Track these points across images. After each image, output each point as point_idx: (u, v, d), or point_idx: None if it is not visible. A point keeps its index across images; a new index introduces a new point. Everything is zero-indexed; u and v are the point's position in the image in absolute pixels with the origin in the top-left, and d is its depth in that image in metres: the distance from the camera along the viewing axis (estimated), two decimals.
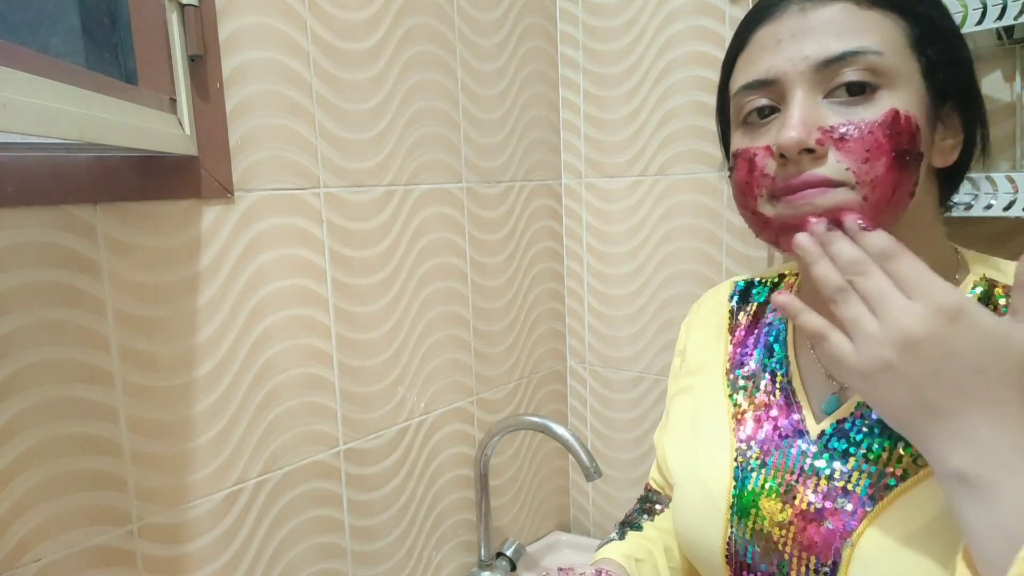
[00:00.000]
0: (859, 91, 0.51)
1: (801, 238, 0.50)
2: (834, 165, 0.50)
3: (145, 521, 0.74)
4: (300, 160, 0.86)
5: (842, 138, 0.50)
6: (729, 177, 0.59)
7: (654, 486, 0.78)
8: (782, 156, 0.52)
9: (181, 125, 0.74)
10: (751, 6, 0.97)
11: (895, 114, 0.50)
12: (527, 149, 1.18)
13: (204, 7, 0.75)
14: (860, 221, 0.48)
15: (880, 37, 0.51)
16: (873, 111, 0.50)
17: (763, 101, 0.55)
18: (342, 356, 0.93)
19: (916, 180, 0.52)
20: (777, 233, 0.55)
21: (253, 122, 0.81)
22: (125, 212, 0.71)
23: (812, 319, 0.49)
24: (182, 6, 0.72)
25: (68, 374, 0.68)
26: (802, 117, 0.51)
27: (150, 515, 0.75)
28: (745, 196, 0.56)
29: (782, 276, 0.71)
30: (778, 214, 0.54)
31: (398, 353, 1.00)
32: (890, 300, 0.44)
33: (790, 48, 0.52)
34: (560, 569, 0.63)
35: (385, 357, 0.98)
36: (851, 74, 0.50)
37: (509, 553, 1.13)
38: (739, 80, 0.56)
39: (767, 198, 0.54)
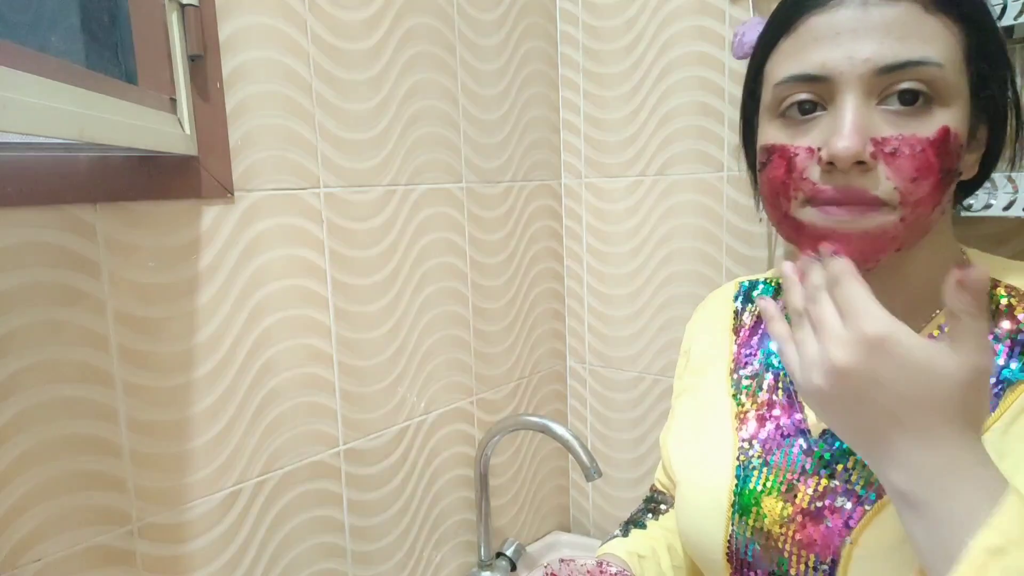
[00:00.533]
0: (912, 100, 0.49)
1: (786, 267, 0.51)
2: (884, 183, 0.49)
3: (145, 521, 0.74)
4: (300, 160, 0.86)
5: (894, 153, 0.49)
6: (757, 171, 0.57)
7: (659, 487, 0.79)
8: (830, 163, 0.50)
9: (181, 125, 0.74)
10: (751, 7, 0.97)
11: (946, 132, 0.49)
12: (527, 149, 1.18)
13: (204, 7, 0.75)
14: (833, 248, 0.48)
15: (942, 48, 0.49)
16: (926, 127, 0.49)
17: (807, 96, 0.52)
18: (342, 356, 0.93)
19: (948, 197, 0.52)
20: (810, 241, 0.53)
21: (253, 122, 0.81)
22: (125, 212, 0.71)
23: (779, 327, 0.49)
24: (182, 6, 0.72)
25: (68, 374, 0.68)
26: (857, 125, 0.49)
27: (150, 515, 0.75)
28: (778, 197, 0.54)
29: None
30: (813, 223, 0.52)
31: (398, 353, 1.00)
32: (827, 327, 0.45)
33: (849, 44, 0.49)
34: (561, 560, 0.63)
35: (385, 357, 0.98)
36: (909, 83, 0.49)
37: (509, 553, 1.13)
38: (784, 68, 0.53)
39: (803, 202, 0.53)
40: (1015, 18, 0.69)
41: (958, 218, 0.82)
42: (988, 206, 0.74)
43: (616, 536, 0.73)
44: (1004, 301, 0.55)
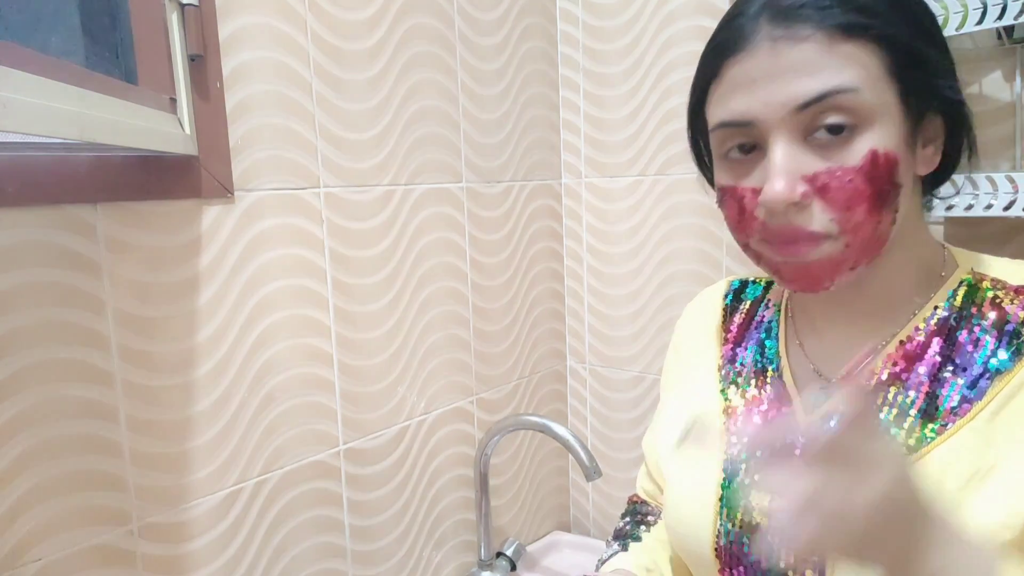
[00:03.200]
0: (838, 131, 0.50)
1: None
2: (819, 216, 0.51)
3: (145, 521, 0.74)
4: (300, 160, 0.86)
5: (824, 187, 0.51)
6: (718, 205, 0.60)
7: (644, 496, 0.79)
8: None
9: (181, 125, 0.74)
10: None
11: (874, 156, 0.50)
12: (527, 149, 1.18)
13: (204, 7, 0.75)
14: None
15: (856, 72, 0.50)
16: (852, 155, 0.50)
17: (742, 139, 0.55)
18: (342, 356, 0.93)
19: (897, 208, 0.52)
20: (772, 270, 0.57)
21: (253, 122, 0.81)
22: (125, 212, 0.71)
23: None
24: (182, 6, 0.72)
25: (68, 374, 0.68)
26: (785, 168, 0.51)
27: (150, 515, 0.75)
28: (737, 232, 0.58)
29: None
30: (770, 257, 0.55)
31: (398, 353, 1.00)
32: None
33: (764, 91, 0.51)
34: None
35: (385, 357, 0.98)
36: (830, 116, 0.50)
37: (509, 553, 1.13)
38: (716, 115, 0.56)
39: (758, 239, 0.56)
40: (1015, 18, 0.70)
41: (958, 219, 0.82)
42: (988, 206, 0.74)
43: (616, 552, 0.73)
44: (990, 294, 0.56)
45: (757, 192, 0.54)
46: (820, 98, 0.50)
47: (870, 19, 0.51)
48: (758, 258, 0.57)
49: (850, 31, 0.50)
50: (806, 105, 0.50)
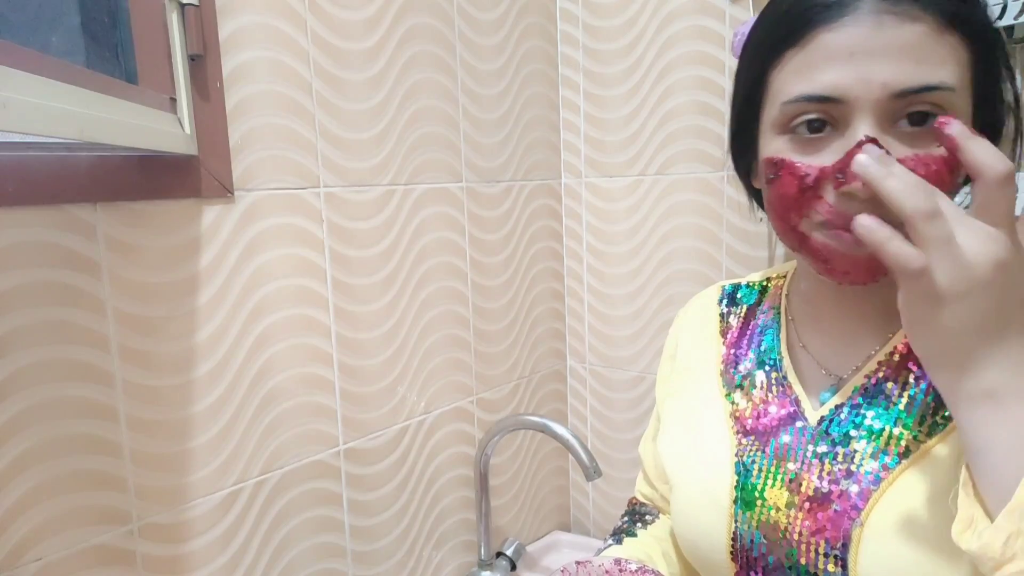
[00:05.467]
0: (921, 121, 0.49)
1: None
2: None
3: (145, 521, 0.74)
4: (300, 159, 0.86)
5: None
6: (765, 183, 0.56)
7: (642, 499, 0.79)
8: (848, 192, 0.49)
9: (181, 125, 0.74)
10: (751, 7, 0.97)
11: (956, 147, 0.49)
12: (527, 149, 1.18)
13: (204, 6, 0.75)
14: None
15: (954, 70, 0.49)
16: (934, 146, 0.49)
17: (818, 115, 0.51)
18: (342, 356, 0.93)
19: None
20: (817, 257, 0.53)
21: (253, 122, 0.81)
22: (125, 212, 0.71)
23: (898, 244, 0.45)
24: (182, 5, 0.72)
25: (68, 374, 0.68)
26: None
27: (150, 515, 0.75)
28: (789, 212, 0.53)
29: (768, 279, 0.72)
30: (825, 243, 0.52)
31: (398, 353, 1.00)
32: (977, 227, 0.43)
33: (864, 66, 0.48)
34: (578, 562, 0.63)
35: (385, 357, 0.98)
36: (920, 105, 0.48)
37: (509, 553, 1.13)
38: (794, 86, 0.52)
39: (817, 223, 0.52)
40: (1015, 18, 0.70)
41: None
42: None
43: (610, 545, 0.73)
44: None
45: (826, 172, 0.50)
46: (922, 90, 0.48)
47: (973, 12, 0.50)
48: (803, 242, 0.53)
49: (958, 22, 0.49)
50: (907, 93, 0.48)
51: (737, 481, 0.61)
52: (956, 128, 0.43)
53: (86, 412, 0.69)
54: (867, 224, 0.44)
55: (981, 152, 0.42)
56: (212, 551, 0.80)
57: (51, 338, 0.67)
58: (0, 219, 0.63)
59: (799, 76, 0.51)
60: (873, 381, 0.57)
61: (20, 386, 0.65)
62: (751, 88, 0.57)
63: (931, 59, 0.48)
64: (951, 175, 0.49)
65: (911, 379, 0.56)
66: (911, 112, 0.49)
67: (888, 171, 0.44)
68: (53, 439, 0.67)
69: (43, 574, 0.67)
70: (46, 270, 0.66)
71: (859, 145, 0.48)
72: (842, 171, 0.49)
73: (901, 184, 0.43)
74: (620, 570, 0.62)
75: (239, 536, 0.83)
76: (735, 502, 0.60)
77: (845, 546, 0.53)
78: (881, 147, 0.46)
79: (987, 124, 0.54)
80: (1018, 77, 0.81)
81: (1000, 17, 0.70)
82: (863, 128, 0.49)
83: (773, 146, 0.54)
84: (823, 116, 0.51)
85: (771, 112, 0.54)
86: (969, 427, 0.45)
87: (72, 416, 0.68)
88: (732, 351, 0.68)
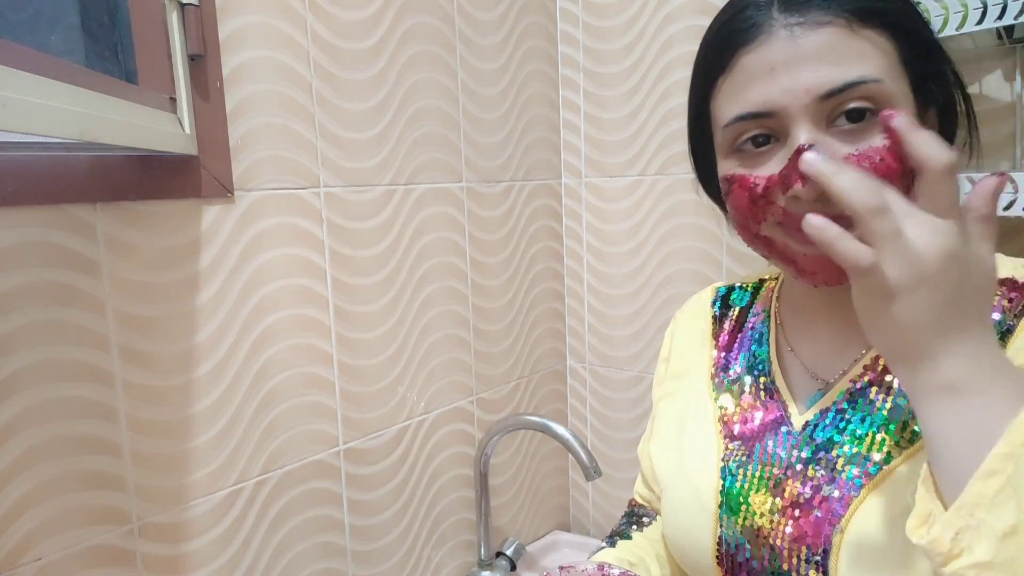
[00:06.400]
0: (859, 117, 0.50)
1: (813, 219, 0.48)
2: None
3: (145, 521, 0.74)
4: (300, 159, 0.86)
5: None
6: (723, 198, 0.58)
7: (640, 501, 0.79)
8: (795, 197, 0.50)
9: (181, 124, 0.74)
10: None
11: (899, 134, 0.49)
12: (527, 148, 1.18)
13: (204, 6, 0.75)
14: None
15: (876, 62, 0.50)
16: (876, 138, 0.49)
17: (758, 131, 0.53)
18: (342, 356, 0.93)
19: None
20: (784, 259, 0.54)
21: (253, 121, 0.81)
22: (125, 212, 0.71)
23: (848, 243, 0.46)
24: (182, 5, 0.72)
25: (68, 374, 0.68)
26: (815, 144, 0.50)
27: (150, 515, 0.75)
28: (747, 220, 0.55)
29: (762, 281, 0.72)
30: (786, 244, 0.53)
31: (398, 353, 1.00)
32: (925, 219, 0.43)
33: (785, 78, 0.50)
34: (561, 568, 0.63)
35: (385, 357, 0.98)
36: (854, 103, 0.49)
37: (509, 553, 1.13)
38: (729, 109, 0.54)
39: (773, 224, 0.53)
40: (1015, 18, 0.69)
41: None
42: None
43: (603, 548, 0.74)
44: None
45: (774, 180, 0.52)
46: (845, 87, 0.49)
47: (885, 4, 0.51)
48: (770, 247, 0.55)
49: (868, 17, 0.50)
50: (832, 94, 0.49)
51: (723, 486, 0.61)
52: (899, 121, 0.44)
53: (86, 412, 0.69)
54: (815, 223, 0.45)
55: (924, 144, 0.43)
56: (212, 551, 0.80)
57: (51, 338, 0.67)
58: (0, 219, 0.63)
59: (731, 99, 0.54)
60: (858, 386, 0.57)
61: (20, 386, 0.65)
62: (697, 118, 0.60)
63: (848, 57, 0.50)
64: (898, 163, 0.49)
65: (896, 385, 0.56)
66: (847, 110, 0.50)
67: (837, 168, 0.45)
68: (53, 439, 0.67)
69: (43, 574, 0.67)
70: (46, 270, 0.66)
71: (797, 154, 0.49)
72: (786, 177, 0.51)
73: (849, 181, 0.44)
74: (603, 575, 0.62)
75: (239, 536, 0.83)
76: (720, 507, 0.60)
77: (826, 552, 0.53)
78: (816, 152, 0.47)
79: (932, 102, 0.54)
80: (1018, 77, 0.81)
81: (1000, 17, 0.70)
82: (802, 134, 0.50)
83: (725, 165, 0.57)
84: (763, 131, 0.53)
85: (718, 137, 0.57)
86: (928, 420, 0.44)
87: (72, 416, 0.68)
88: (723, 354, 0.69)
